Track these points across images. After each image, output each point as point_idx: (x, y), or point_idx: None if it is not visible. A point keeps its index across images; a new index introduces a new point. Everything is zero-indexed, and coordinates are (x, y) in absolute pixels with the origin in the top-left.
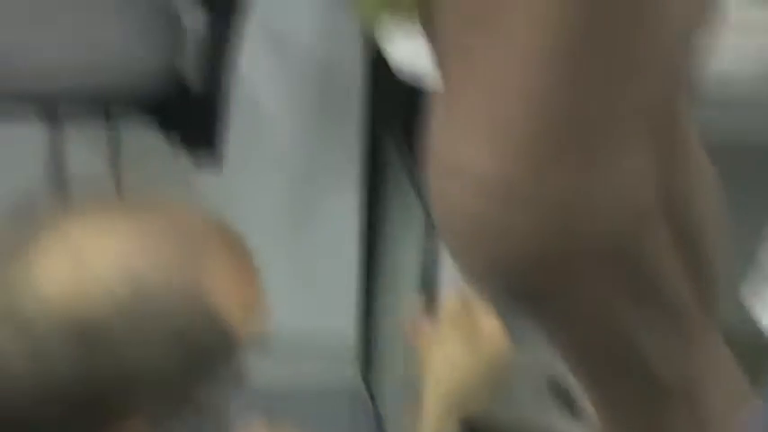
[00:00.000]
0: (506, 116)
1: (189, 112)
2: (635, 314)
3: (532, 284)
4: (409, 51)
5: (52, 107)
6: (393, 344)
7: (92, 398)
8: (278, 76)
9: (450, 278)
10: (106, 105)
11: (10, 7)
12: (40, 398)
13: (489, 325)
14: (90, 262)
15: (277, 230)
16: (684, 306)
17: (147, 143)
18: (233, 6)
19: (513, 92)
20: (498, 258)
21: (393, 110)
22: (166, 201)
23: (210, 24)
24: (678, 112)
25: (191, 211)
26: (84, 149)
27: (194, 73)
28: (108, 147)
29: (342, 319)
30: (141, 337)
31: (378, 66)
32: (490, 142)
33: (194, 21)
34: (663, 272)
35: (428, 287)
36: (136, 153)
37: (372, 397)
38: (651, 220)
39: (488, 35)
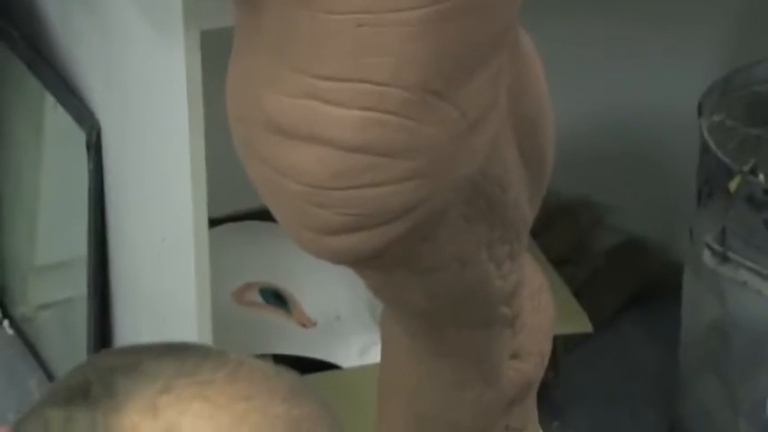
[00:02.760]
0: (383, 73)
1: None
2: (484, 238)
3: (403, 235)
4: None
5: None
6: None
7: None
8: None
9: None
10: None
11: None
12: None
13: None
14: None
15: None
16: (522, 219)
17: None
18: None
19: (387, 43)
20: (371, 212)
21: None
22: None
23: None
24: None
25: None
26: None
27: None
28: None
29: None
30: None
31: None
32: (361, 103)
33: None
34: (509, 185)
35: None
36: None
37: None
38: (503, 136)
39: None
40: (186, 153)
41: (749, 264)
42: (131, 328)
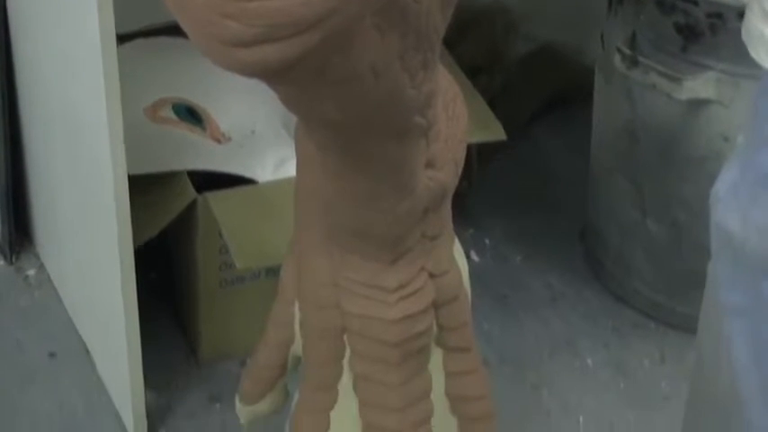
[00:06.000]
0: None
1: None
2: (397, 48)
3: (315, 46)
4: None
5: None
6: None
7: None
8: None
9: None
10: None
11: None
12: None
13: None
14: None
15: None
16: (435, 28)
17: None
18: None
19: None
20: (282, 22)
21: None
22: None
23: None
24: None
25: None
26: None
27: None
28: None
29: None
30: None
31: None
32: None
33: None
34: None
35: None
36: None
37: None
38: None
39: None
40: None
41: (658, 67)
42: (44, 146)
